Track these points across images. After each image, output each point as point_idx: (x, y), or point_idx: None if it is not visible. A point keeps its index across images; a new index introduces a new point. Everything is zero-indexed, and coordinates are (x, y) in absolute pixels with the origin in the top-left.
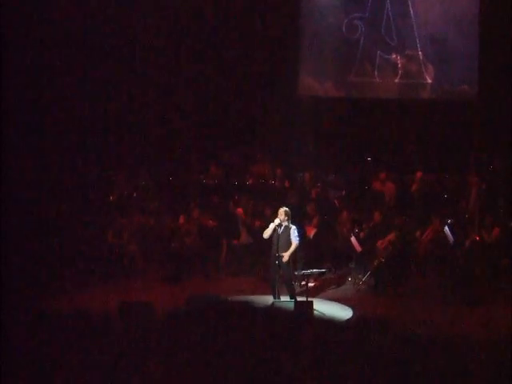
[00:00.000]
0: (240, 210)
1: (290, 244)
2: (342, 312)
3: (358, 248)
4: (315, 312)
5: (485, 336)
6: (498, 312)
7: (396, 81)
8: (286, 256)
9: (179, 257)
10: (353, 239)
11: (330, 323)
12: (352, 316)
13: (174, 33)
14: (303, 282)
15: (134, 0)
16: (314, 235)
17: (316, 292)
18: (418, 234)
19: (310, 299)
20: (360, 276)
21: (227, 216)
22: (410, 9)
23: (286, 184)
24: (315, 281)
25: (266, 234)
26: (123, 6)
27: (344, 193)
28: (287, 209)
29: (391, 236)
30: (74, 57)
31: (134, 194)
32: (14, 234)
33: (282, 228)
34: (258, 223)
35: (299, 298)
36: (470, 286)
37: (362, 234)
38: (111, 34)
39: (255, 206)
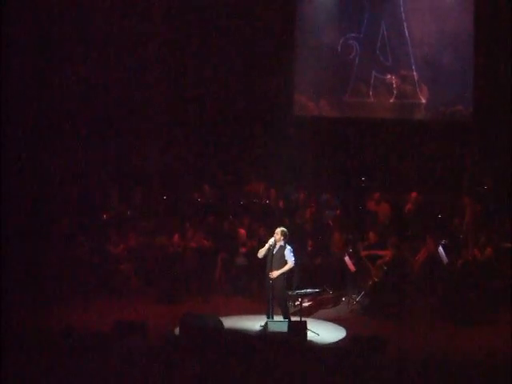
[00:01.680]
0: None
1: (283, 264)
2: (336, 332)
3: (352, 268)
4: (309, 332)
5: (479, 356)
6: (492, 332)
7: (391, 101)
8: (275, 273)
9: (174, 276)
10: (347, 259)
11: (323, 344)
12: (345, 336)
13: (173, 55)
14: (297, 302)
15: (133, 3)
16: (309, 255)
17: (310, 312)
18: (412, 254)
19: (303, 319)
20: (354, 296)
21: (222, 235)
22: (405, 29)
23: (280, 204)
24: (309, 301)
25: (261, 253)
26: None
27: (338, 213)
28: (284, 229)
29: (382, 252)
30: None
31: (128, 213)
32: (8, 251)
33: (277, 248)
34: (252, 243)
35: (293, 318)
36: (464, 306)
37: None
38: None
39: (249, 226)
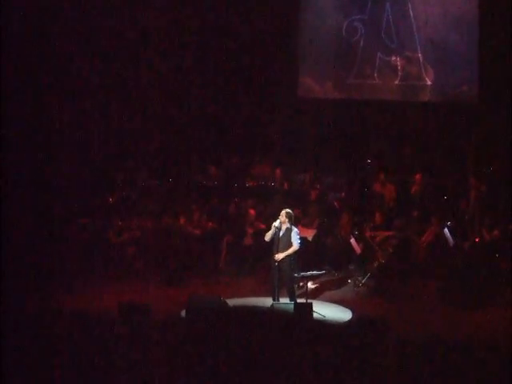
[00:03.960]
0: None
1: (290, 246)
2: (342, 314)
3: (358, 250)
4: (314, 314)
5: (484, 339)
6: (498, 314)
7: (396, 83)
8: (280, 255)
9: (179, 259)
10: (352, 241)
11: (329, 325)
12: (351, 318)
13: (176, 38)
14: (301, 283)
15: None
16: (314, 237)
17: (316, 294)
18: (417, 236)
19: (309, 301)
20: (360, 278)
21: (227, 218)
22: (410, 11)
23: (285, 186)
24: (315, 283)
25: (268, 236)
26: (123, 7)
27: (344, 194)
28: (289, 211)
29: (386, 232)
30: (75, 61)
31: (134, 196)
32: (12, 235)
33: (283, 230)
34: (258, 225)
35: (299, 300)
36: (470, 288)
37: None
38: (112, 38)
39: (255, 208)
